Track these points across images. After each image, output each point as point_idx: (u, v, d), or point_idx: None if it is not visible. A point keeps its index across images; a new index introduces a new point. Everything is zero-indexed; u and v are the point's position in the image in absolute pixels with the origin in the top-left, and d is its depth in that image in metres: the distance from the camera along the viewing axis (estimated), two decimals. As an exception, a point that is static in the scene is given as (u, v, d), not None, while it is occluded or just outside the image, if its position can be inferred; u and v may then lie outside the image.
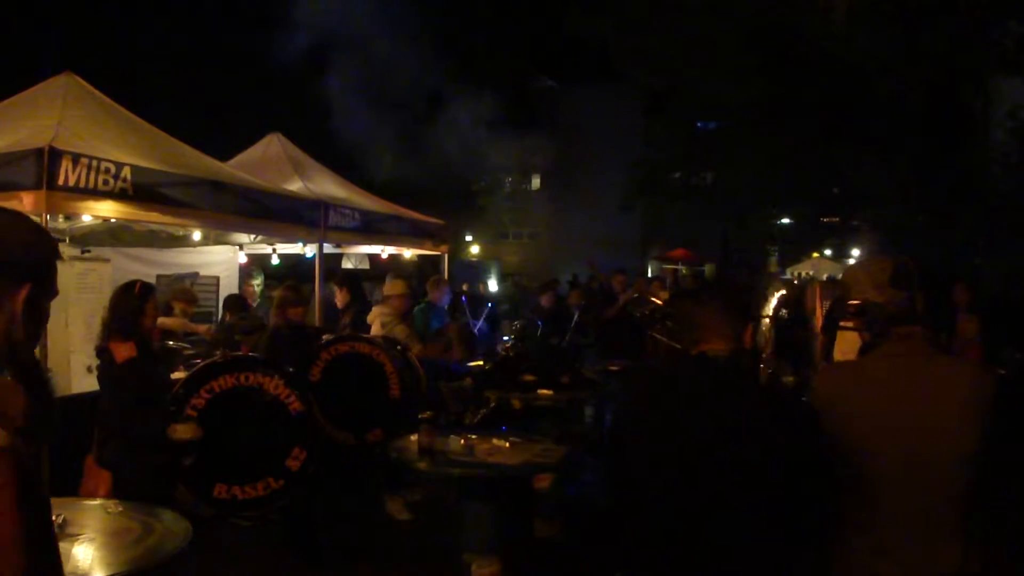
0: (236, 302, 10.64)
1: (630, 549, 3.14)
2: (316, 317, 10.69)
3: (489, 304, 14.90)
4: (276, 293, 8.69)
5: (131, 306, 5.91)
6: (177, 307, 9.90)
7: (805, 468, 2.98)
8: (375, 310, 10.14)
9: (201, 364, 6.97)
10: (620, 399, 3.48)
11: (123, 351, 5.79)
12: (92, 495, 5.31)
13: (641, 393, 3.35)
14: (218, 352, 7.66)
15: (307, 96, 30.36)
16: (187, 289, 10.70)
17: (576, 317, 12.57)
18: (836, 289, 3.60)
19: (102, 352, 5.93)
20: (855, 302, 3.27)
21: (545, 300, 13.79)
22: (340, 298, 10.25)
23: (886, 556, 3.02)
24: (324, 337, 8.75)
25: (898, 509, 3.02)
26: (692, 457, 2.98)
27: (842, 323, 3.37)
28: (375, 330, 9.72)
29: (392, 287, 10.06)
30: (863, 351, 3.31)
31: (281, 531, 7.24)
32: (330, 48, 29.51)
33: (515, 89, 37.98)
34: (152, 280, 10.37)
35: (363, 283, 13.27)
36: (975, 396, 3.06)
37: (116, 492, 5.28)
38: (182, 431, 5.70)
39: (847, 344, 3.45)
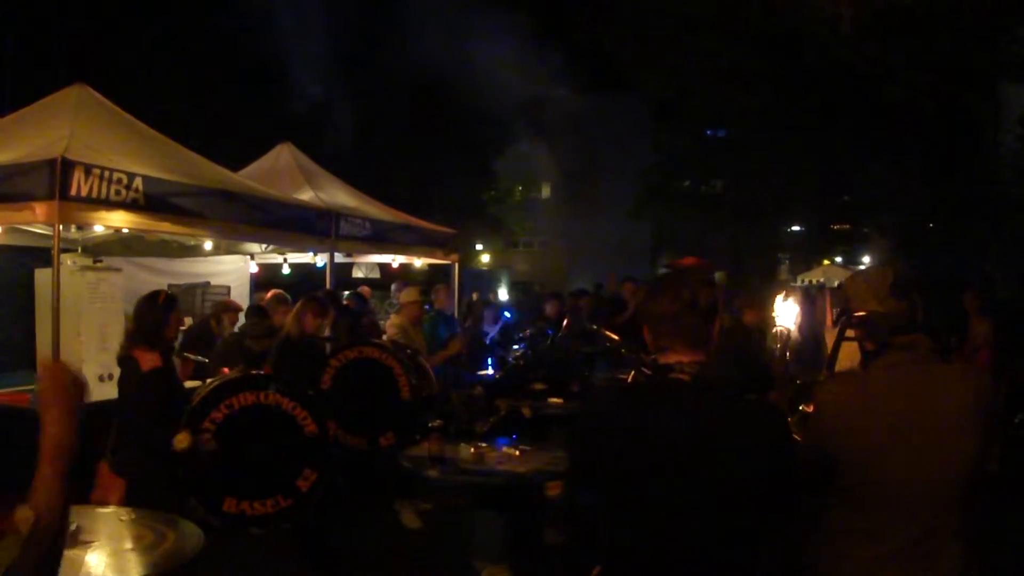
0: (256, 311, 10.65)
1: (608, 548, 3.09)
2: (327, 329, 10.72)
3: (505, 314, 14.73)
4: (298, 302, 8.62)
5: (155, 316, 5.93)
6: (226, 319, 9.82)
7: (772, 482, 2.90)
8: (391, 318, 10.19)
9: (221, 379, 6.98)
10: (582, 417, 3.27)
11: (148, 360, 5.80)
12: (104, 502, 5.33)
13: (602, 411, 3.20)
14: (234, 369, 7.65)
15: (320, 106, 30.54)
16: (230, 301, 10.61)
17: (568, 321, 12.56)
18: (840, 299, 3.58)
19: (125, 360, 5.94)
20: (860, 313, 3.27)
21: (550, 308, 13.77)
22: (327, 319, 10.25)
23: (890, 562, 3.04)
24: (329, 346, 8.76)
25: (903, 516, 3.04)
26: (652, 477, 2.89)
27: (846, 334, 3.37)
28: (389, 336, 9.77)
29: (407, 295, 10.11)
30: (866, 361, 3.31)
31: (293, 539, 7.25)
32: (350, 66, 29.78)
33: (526, 97, 38.01)
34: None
35: (371, 292, 13.33)
36: (978, 403, 3.08)
37: (129, 500, 5.30)
38: (179, 440, 5.70)
39: (847, 354, 3.46)
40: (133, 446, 5.79)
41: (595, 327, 10.52)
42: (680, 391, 2.92)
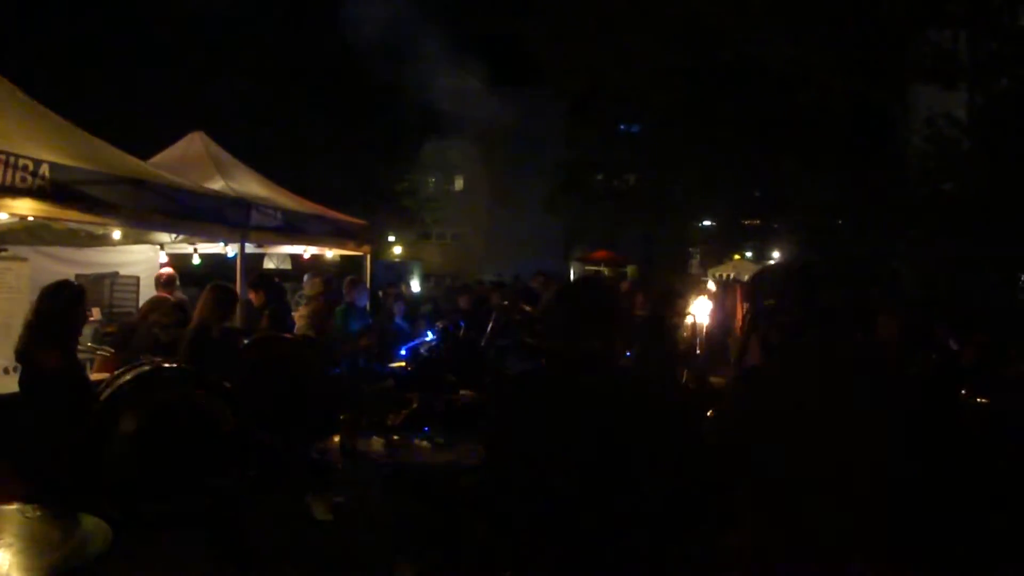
0: (170, 304, 10.49)
1: (517, 547, 3.10)
2: (238, 318, 10.59)
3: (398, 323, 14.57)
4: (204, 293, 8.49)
5: (59, 311, 5.75)
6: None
7: (671, 467, 2.95)
8: (299, 310, 10.11)
9: (133, 374, 6.83)
10: (491, 406, 3.34)
11: (51, 360, 5.64)
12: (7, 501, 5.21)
13: (509, 401, 3.23)
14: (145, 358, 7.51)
15: (230, 94, 30.19)
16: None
17: (495, 317, 12.57)
18: (748, 294, 3.62)
19: (25, 358, 5.77)
20: (769, 302, 3.30)
21: (463, 301, 13.78)
22: (256, 299, 10.13)
23: (799, 562, 3.05)
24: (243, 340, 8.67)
25: (809, 516, 3.05)
26: (557, 462, 2.93)
27: (751, 328, 3.40)
28: (298, 328, 9.70)
29: (312, 287, 10.04)
30: (770, 356, 3.34)
31: (205, 536, 7.16)
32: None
33: (439, 89, 37.98)
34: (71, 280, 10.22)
35: (284, 284, 13.20)
36: (882, 402, 3.11)
37: (35, 499, 5.17)
38: None
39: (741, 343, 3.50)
40: (38, 447, 5.65)
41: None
42: (583, 394, 2.95)
